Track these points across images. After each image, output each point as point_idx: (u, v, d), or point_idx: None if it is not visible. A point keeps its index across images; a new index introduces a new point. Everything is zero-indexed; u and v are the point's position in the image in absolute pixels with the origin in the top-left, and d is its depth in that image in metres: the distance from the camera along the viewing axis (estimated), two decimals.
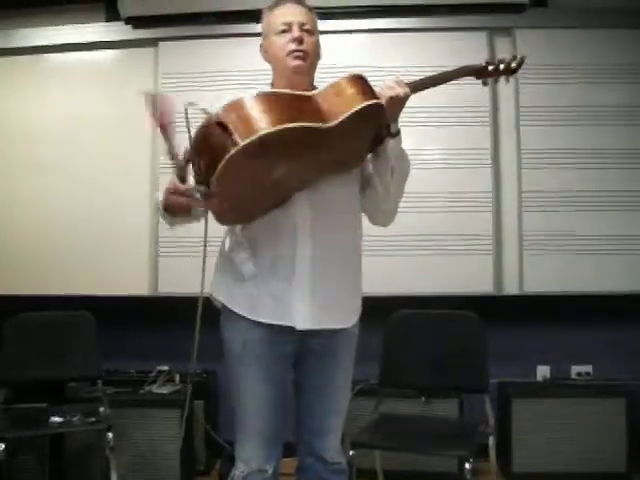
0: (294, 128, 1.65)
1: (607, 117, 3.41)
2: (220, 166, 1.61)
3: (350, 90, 1.76)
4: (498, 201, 3.46)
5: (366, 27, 3.52)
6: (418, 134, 3.47)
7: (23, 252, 3.58)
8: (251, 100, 1.67)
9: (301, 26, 1.92)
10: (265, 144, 1.62)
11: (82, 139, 3.60)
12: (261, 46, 2.01)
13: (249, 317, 1.93)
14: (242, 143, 1.59)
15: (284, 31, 1.91)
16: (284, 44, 1.91)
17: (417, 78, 1.93)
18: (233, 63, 3.49)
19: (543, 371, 3.53)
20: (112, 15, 3.64)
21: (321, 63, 3.31)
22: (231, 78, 3.45)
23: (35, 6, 3.71)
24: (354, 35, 3.54)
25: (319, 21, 3.52)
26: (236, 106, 1.66)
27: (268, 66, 3.47)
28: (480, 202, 3.40)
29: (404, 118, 3.51)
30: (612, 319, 3.46)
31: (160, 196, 1.87)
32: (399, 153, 1.94)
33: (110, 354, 3.32)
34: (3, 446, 2.72)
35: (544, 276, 3.39)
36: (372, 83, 1.81)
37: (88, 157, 3.59)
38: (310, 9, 1.99)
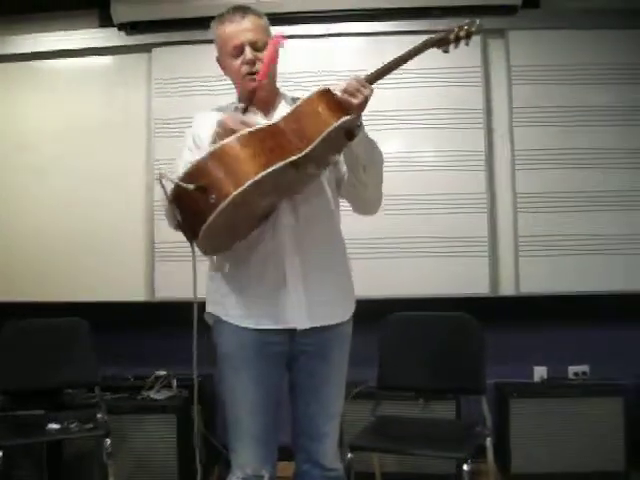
0: (271, 172, 1.61)
1: (601, 117, 3.42)
2: (204, 228, 1.59)
3: (319, 109, 1.72)
4: (493, 203, 3.46)
5: (361, 30, 3.52)
6: (412, 136, 3.48)
7: (19, 259, 3.57)
8: (222, 154, 1.62)
9: (252, 45, 1.90)
10: (247, 194, 1.59)
11: (76, 145, 3.60)
12: (217, 60, 2.02)
13: (243, 325, 1.94)
14: (220, 206, 1.56)
15: (236, 54, 1.91)
16: (238, 67, 1.92)
17: (375, 69, 1.87)
18: None
19: (540, 371, 3.53)
20: (105, 21, 3.64)
21: (319, 67, 3.36)
22: (224, 83, 3.42)
23: (28, 13, 3.71)
24: (349, 38, 3.55)
25: (318, 25, 3.54)
26: (211, 163, 1.61)
27: None
28: (475, 204, 3.41)
29: (398, 121, 3.54)
30: (608, 319, 3.47)
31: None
32: (367, 147, 1.90)
33: (107, 360, 3.32)
34: (0, 453, 2.71)
35: (540, 277, 3.40)
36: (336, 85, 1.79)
37: (82, 163, 3.58)
38: (258, 15, 1.96)
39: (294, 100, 1.96)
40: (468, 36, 1.90)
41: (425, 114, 3.42)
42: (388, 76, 3.63)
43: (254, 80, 1.91)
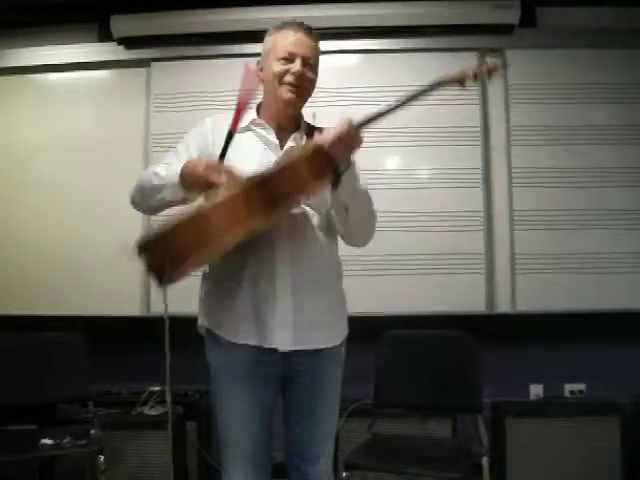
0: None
1: (598, 136, 3.43)
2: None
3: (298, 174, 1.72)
4: (490, 220, 3.46)
5: (358, 48, 3.54)
6: (410, 154, 3.49)
7: (14, 271, 3.56)
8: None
9: (305, 60, 1.89)
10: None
11: (74, 158, 3.60)
12: (258, 63, 1.98)
13: (232, 340, 1.92)
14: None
15: (286, 59, 1.88)
16: (282, 72, 1.89)
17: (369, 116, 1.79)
18: (224, 83, 3.50)
19: (536, 390, 3.52)
20: (105, 36, 3.66)
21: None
22: (222, 98, 3.46)
23: (28, 26, 3.72)
24: (345, 56, 3.56)
25: None
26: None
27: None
28: (472, 221, 3.41)
29: (395, 138, 3.54)
30: (605, 337, 3.45)
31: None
32: (352, 191, 1.86)
33: (101, 375, 3.30)
34: None
35: (536, 295, 3.39)
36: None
37: (80, 176, 3.58)
38: (317, 41, 1.95)
39: (310, 128, 1.98)
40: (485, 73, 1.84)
41: (422, 131, 3.43)
42: (386, 93, 3.66)
43: (293, 93, 1.89)
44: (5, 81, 3.69)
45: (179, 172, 1.85)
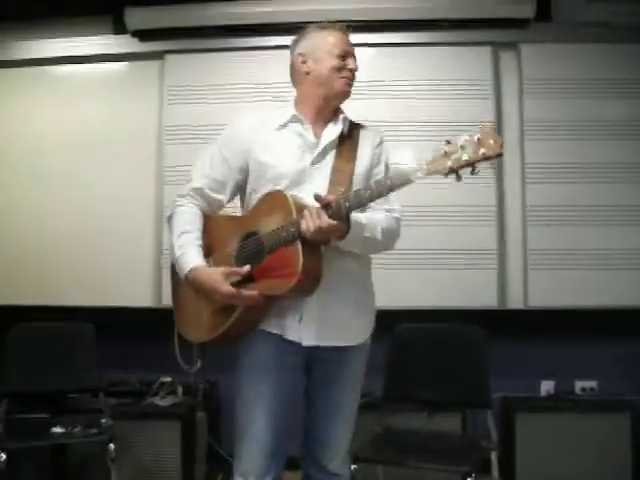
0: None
1: (612, 131, 3.40)
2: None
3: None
4: (502, 215, 3.45)
5: (371, 41, 3.52)
6: (422, 148, 3.41)
7: (26, 262, 3.59)
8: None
9: (355, 59, 2.03)
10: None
11: (88, 150, 3.61)
12: (303, 63, 2.03)
13: (260, 327, 1.94)
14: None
15: (341, 57, 2.00)
16: (340, 67, 2.00)
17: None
18: (238, 76, 3.51)
19: (547, 386, 3.51)
20: (119, 28, 3.67)
21: None
22: (236, 91, 3.47)
23: (43, 18, 3.74)
24: (359, 49, 3.53)
25: None
26: None
27: (272, 79, 3.46)
28: (484, 216, 3.39)
29: (408, 132, 3.52)
30: (617, 334, 3.44)
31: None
32: (356, 246, 1.93)
33: (113, 365, 3.32)
34: (4, 456, 2.72)
35: (548, 291, 3.38)
36: None
37: (93, 168, 3.60)
38: None
39: (345, 123, 2.04)
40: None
41: (435, 126, 3.40)
42: (399, 87, 3.64)
43: (350, 86, 2.02)
44: (19, 72, 3.71)
45: (185, 272, 1.92)
